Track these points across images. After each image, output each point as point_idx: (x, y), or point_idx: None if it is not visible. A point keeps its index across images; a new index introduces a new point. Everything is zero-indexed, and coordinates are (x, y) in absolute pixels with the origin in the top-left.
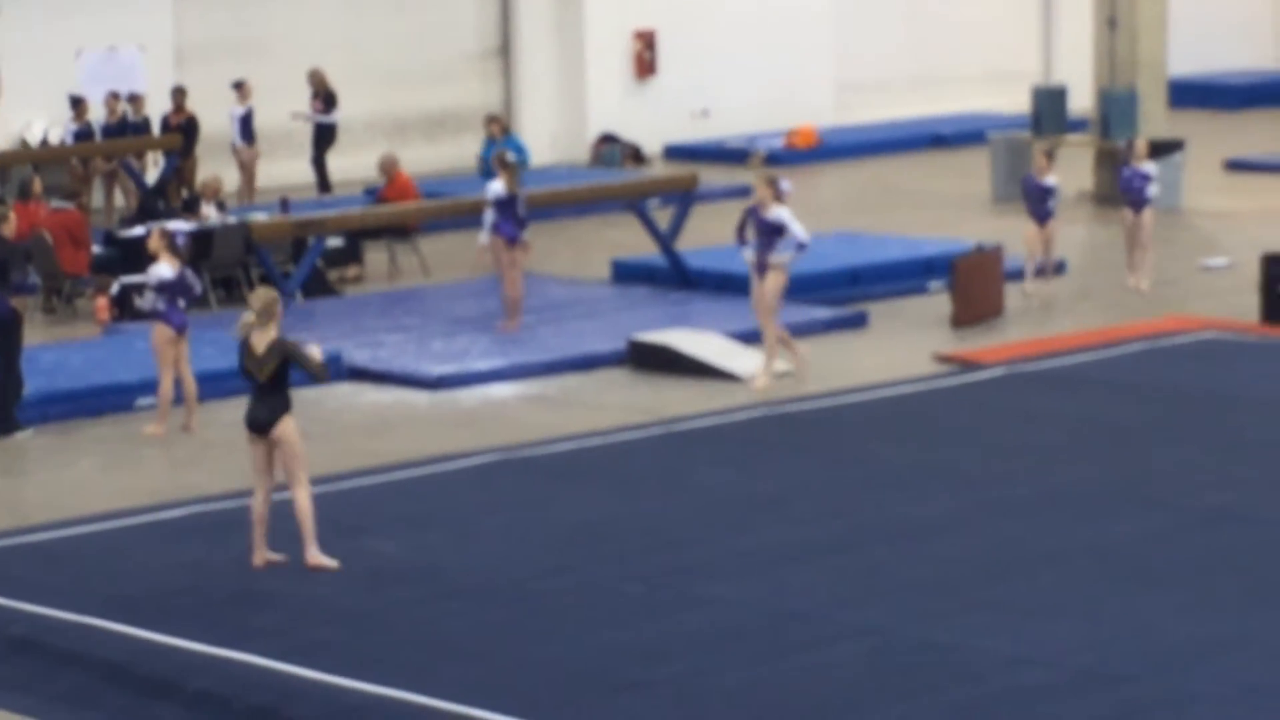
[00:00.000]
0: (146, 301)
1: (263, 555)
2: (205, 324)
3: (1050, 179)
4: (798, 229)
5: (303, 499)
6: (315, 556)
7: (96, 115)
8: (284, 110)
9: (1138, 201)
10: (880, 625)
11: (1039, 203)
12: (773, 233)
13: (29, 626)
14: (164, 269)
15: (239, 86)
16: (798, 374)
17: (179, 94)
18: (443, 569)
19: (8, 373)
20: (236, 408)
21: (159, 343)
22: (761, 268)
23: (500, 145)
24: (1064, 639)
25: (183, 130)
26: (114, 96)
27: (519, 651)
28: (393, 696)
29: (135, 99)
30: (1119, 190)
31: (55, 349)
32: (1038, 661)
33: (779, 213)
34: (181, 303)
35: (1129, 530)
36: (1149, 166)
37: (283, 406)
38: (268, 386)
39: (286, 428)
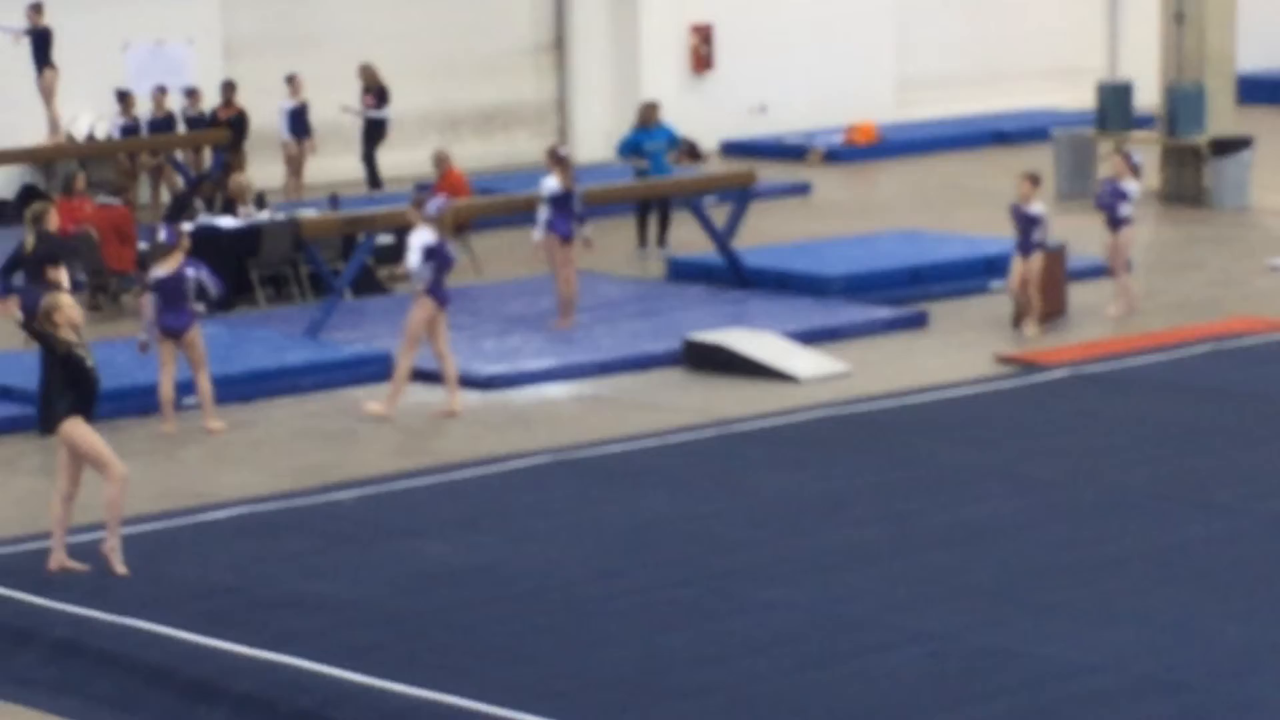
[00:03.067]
0: (149, 303)
1: (59, 560)
2: (253, 321)
3: (1036, 207)
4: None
5: (109, 495)
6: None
7: (144, 109)
8: (334, 105)
9: (1113, 220)
10: (937, 630)
11: (1024, 234)
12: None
13: (72, 628)
14: (157, 269)
15: (290, 81)
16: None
17: (229, 88)
18: (493, 571)
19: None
20: (284, 406)
21: (144, 342)
22: None
23: (654, 133)
24: (1124, 645)
25: (231, 125)
26: (161, 90)
27: (569, 655)
28: (440, 700)
29: (192, 93)
30: (1096, 206)
31: (101, 347)
32: (1097, 668)
33: None
34: (199, 305)
35: (1191, 535)
36: (1129, 184)
37: (67, 408)
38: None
39: (65, 430)
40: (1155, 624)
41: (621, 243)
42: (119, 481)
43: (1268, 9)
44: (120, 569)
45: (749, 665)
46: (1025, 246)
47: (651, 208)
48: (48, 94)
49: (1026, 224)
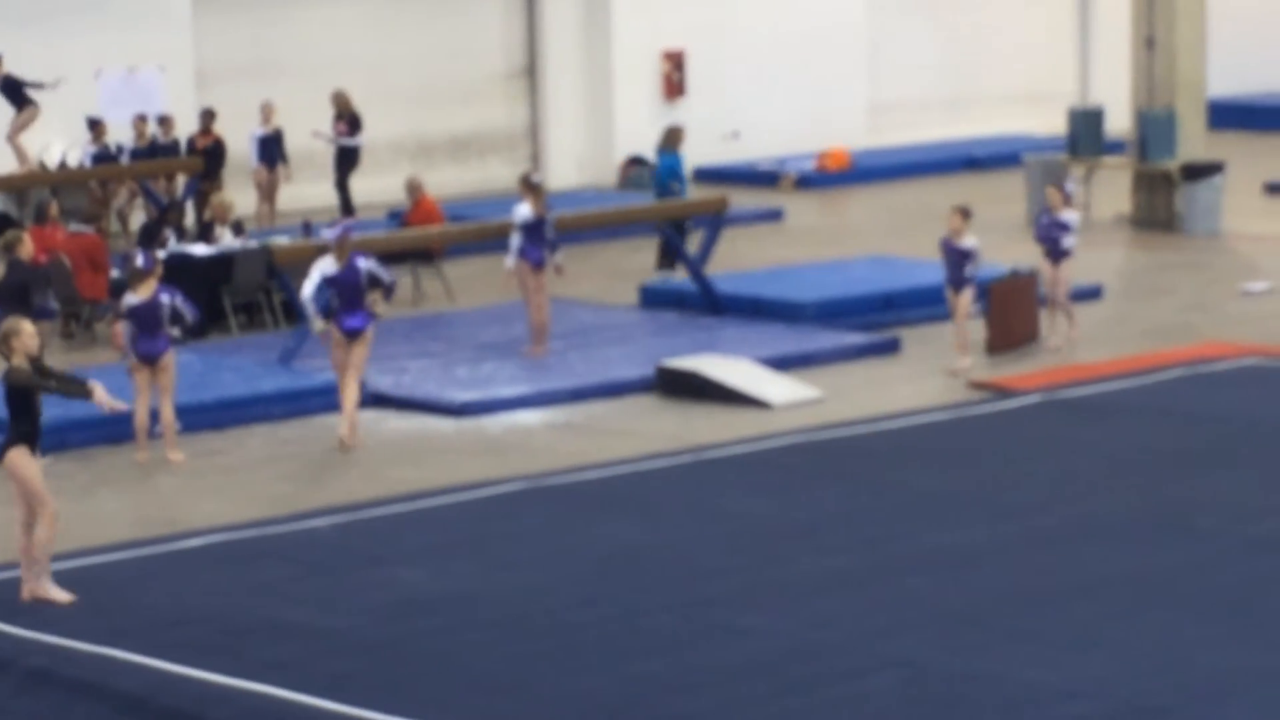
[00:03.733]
0: (124, 330)
1: (30, 589)
2: (227, 349)
3: (968, 241)
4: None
5: (39, 532)
6: (43, 590)
7: (115, 137)
8: (306, 132)
9: (1054, 253)
10: (915, 656)
11: (955, 268)
12: None
13: (48, 657)
14: (130, 296)
15: (264, 108)
16: None
17: (207, 116)
18: (469, 599)
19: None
20: (258, 434)
21: (130, 368)
22: None
23: (677, 158)
24: (1102, 670)
25: (209, 154)
26: (141, 119)
27: (547, 683)
28: None
29: (165, 120)
30: (1035, 239)
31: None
32: (1075, 693)
33: None
34: (175, 331)
35: (1167, 560)
36: (1069, 215)
37: (13, 438)
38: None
39: (8, 459)
40: (1133, 649)
41: (593, 270)
42: (51, 520)
43: (1237, 35)
44: (63, 597)
45: (726, 692)
46: (956, 281)
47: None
48: (19, 128)
49: (958, 258)
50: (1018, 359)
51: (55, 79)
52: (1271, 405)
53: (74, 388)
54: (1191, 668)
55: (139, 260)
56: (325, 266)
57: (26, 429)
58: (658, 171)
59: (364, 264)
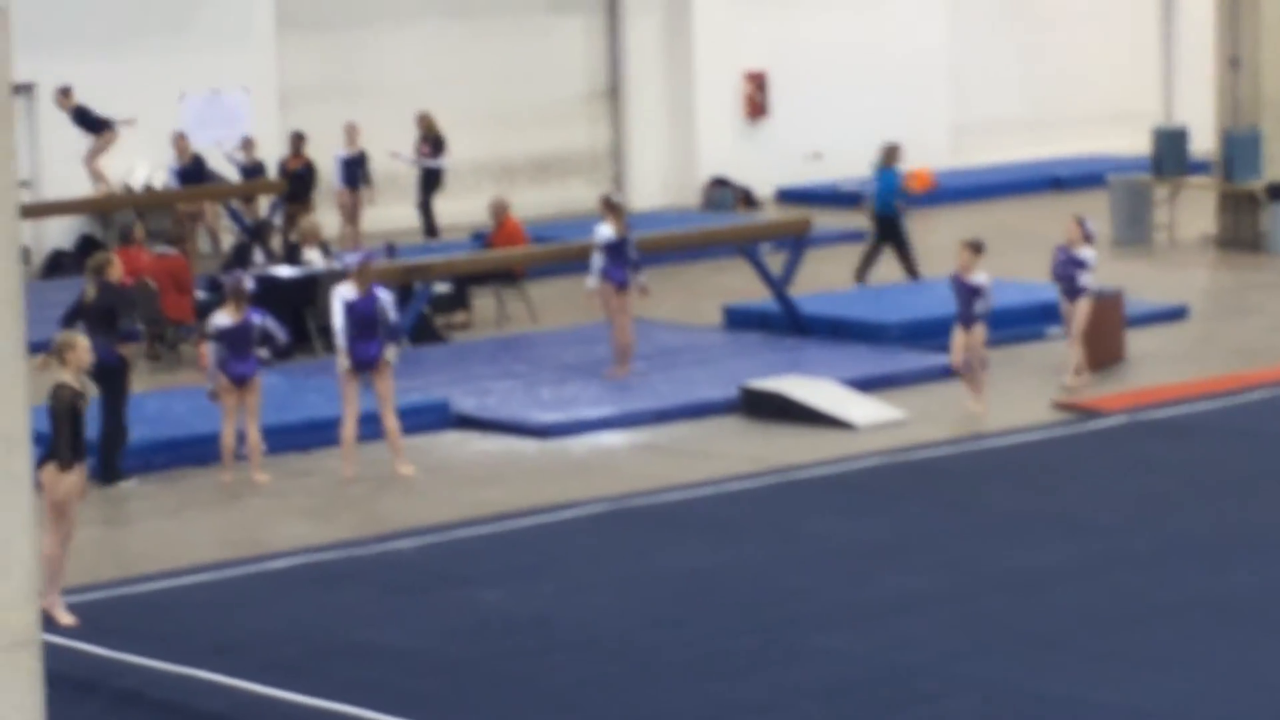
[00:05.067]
0: (210, 352)
1: (52, 601)
2: (311, 371)
3: (979, 277)
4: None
5: (47, 544)
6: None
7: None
8: (389, 154)
9: (1071, 290)
10: (995, 678)
11: (965, 305)
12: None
13: (135, 679)
14: (221, 318)
15: (348, 130)
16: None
17: (297, 139)
18: (550, 620)
19: (112, 420)
20: (339, 456)
21: (218, 390)
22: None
23: (895, 174)
24: (1183, 692)
25: (299, 176)
26: (182, 137)
27: (625, 705)
28: None
29: (248, 143)
30: (1052, 275)
31: (159, 396)
32: (1156, 715)
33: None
34: (264, 352)
35: (1250, 581)
36: (1086, 252)
37: (48, 453)
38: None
39: (41, 476)
40: (1214, 671)
41: (675, 289)
42: (58, 539)
43: None
44: (68, 619)
45: (804, 714)
46: (966, 318)
47: (888, 241)
48: (96, 152)
49: (967, 294)
50: (1103, 380)
51: (128, 118)
52: None
53: (55, 454)
54: (1273, 692)
55: (248, 282)
56: (345, 293)
57: (62, 448)
58: (880, 190)
59: (384, 296)
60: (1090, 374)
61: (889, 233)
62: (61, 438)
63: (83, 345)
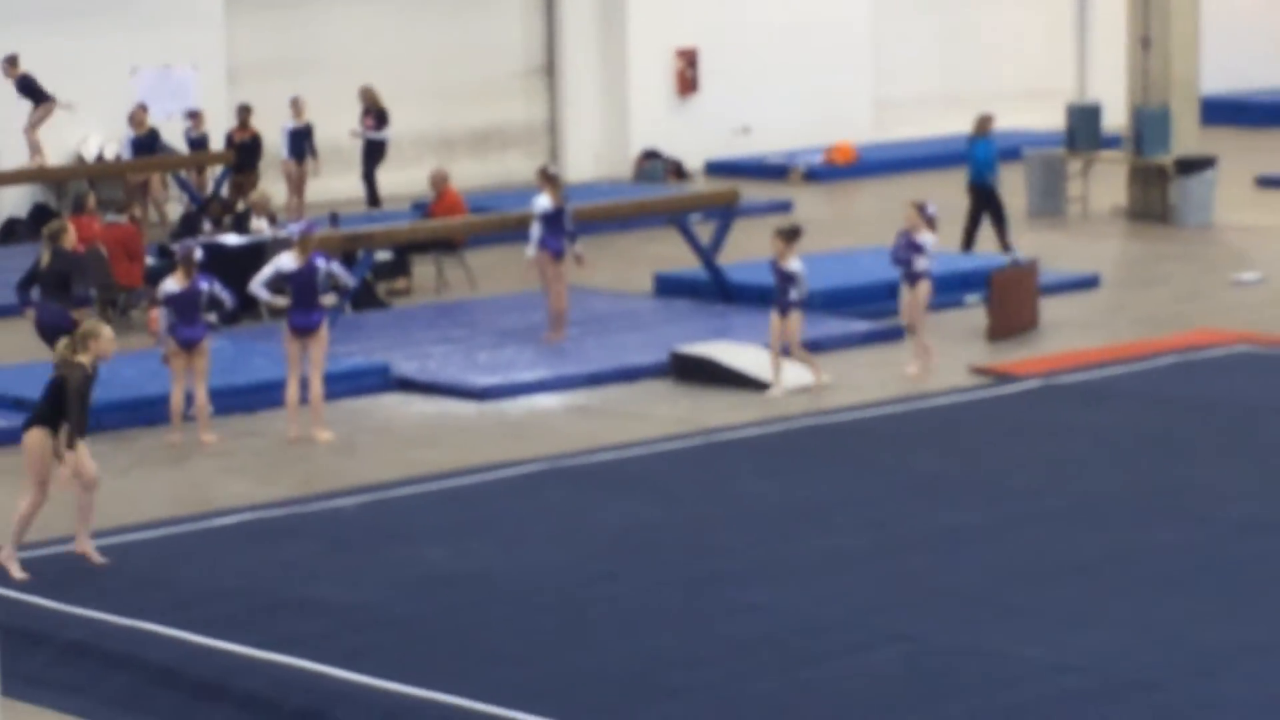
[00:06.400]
0: (160, 317)
1: (8, 555)
2: (257, 335)
3: (793, 264)
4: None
5: (23, 506)
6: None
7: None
8: (334, 126)
9: (910, 275)
10: (916, 632)
11: (781, 291)
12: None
13: (84, 630)
14: (170, 284)
15: (294, 103)
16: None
17: (244, 112)
18: (488, 575)
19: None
20: (284, 418)
21: (167, 354)
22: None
23: (990, 144)
24: (1097, 646)
25: (246, 148)
26: (141, 109)
27: (562, 657)
28: (435, 700)
29: (196, 115)
30: (891, 261)
31: (111, 360)
32: (1071, 668)
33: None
34: (212, 317)
35: (1161, 540)
36: (925, 237)
37: (37, 419)
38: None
39: (26, 437)
40: (1127, 626)
41: (609, 258)
42: (33, 503)
43: (1230, 34)
44: (20, 574)
45: (735, 666)
46: (783, 305)
47: (984, 212)
48: (35, 123)
49: (783, 280)
50: (1018, 345)
51: (68, 103)
52: (1261, 391)
53: (73, 434)
54: (1181, 643)
55: (198, 253)
56: (283, 262)
57: (49, 415)
58: (974, 160)
59: (323, 264)
60: (930, 361)
61: (986, 201)
62: (74, 416)
63: (106, 336)
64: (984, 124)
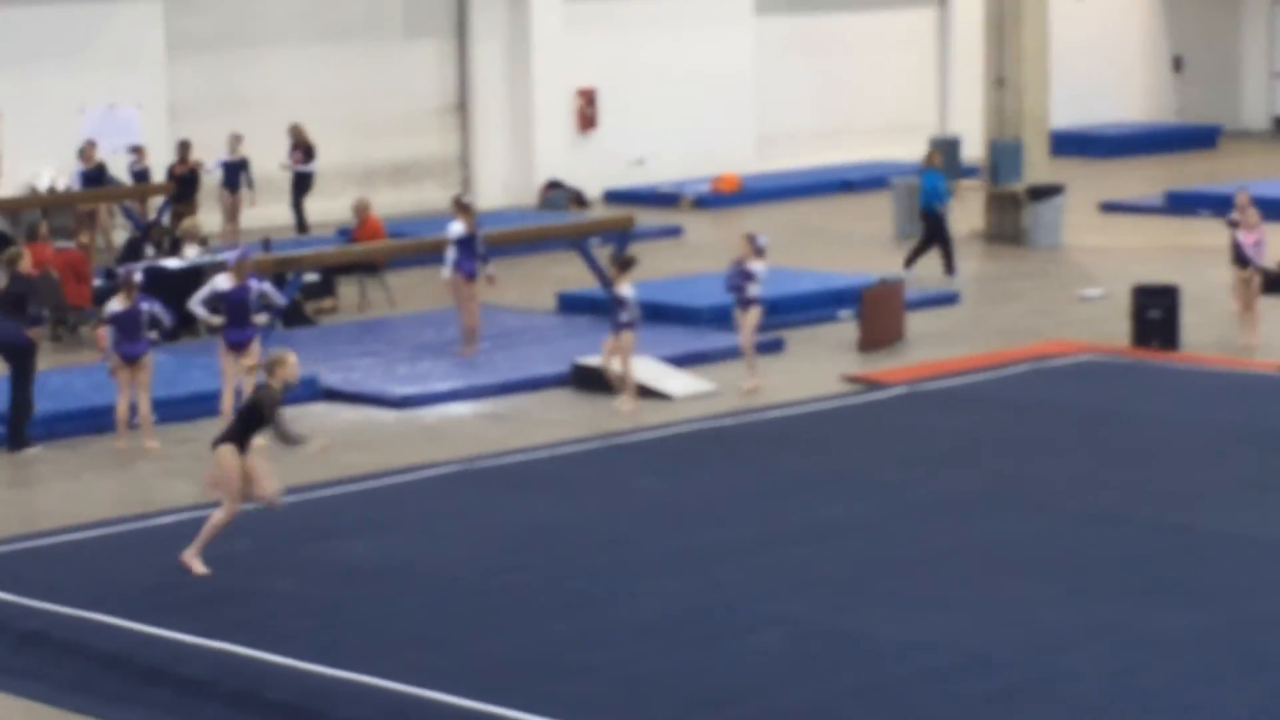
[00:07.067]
0: (106, 334)
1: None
2: (196, 350)
3: (624, 288)
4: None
5: (215, 514)
6: (188, 558)
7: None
8: (266, 160)
9: (742, 301)
10: (795, 615)
11: (614, 314)
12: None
13: (39, 621)
14: (114, 304)
15: (232, 138)
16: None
17: (184, 147)
18: (407, 567)
19: (20, 395)
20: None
21: (113, 368)
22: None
23: (939, 174)
24: (954, 627)
25: (185, 180)
26: (90, 144)
27: (475, 640)
28: (357, 680)
29: (139, 150)
30: (725, 288)
31: (62, 373)
32: (931, 647)
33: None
34: (153, 334)
35: (1014, 531)
36: (756, 266)
37: (228, 436)
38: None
39: (219, 451)
40: (981, 609)
41: (516, 279)
42: (228, 511)
43: (1077, 74)
44: (200, 569)
45: (632, 647)
46: (615, 326)
47: (934, 240)
48: None
49: (616, 304)
50: (886, 356)
51: None
52: (1104, 396)
53: (289, 439)
54: (1031, 624)
55: (138, 276)
56: (219, 283)
57: (241, 435)
58: (925, 188)
59: (256, 285)
60: (758, 378)
61: (935, 228)
62: (278, 429)
63: (292, 362)
64: (932, 157)
